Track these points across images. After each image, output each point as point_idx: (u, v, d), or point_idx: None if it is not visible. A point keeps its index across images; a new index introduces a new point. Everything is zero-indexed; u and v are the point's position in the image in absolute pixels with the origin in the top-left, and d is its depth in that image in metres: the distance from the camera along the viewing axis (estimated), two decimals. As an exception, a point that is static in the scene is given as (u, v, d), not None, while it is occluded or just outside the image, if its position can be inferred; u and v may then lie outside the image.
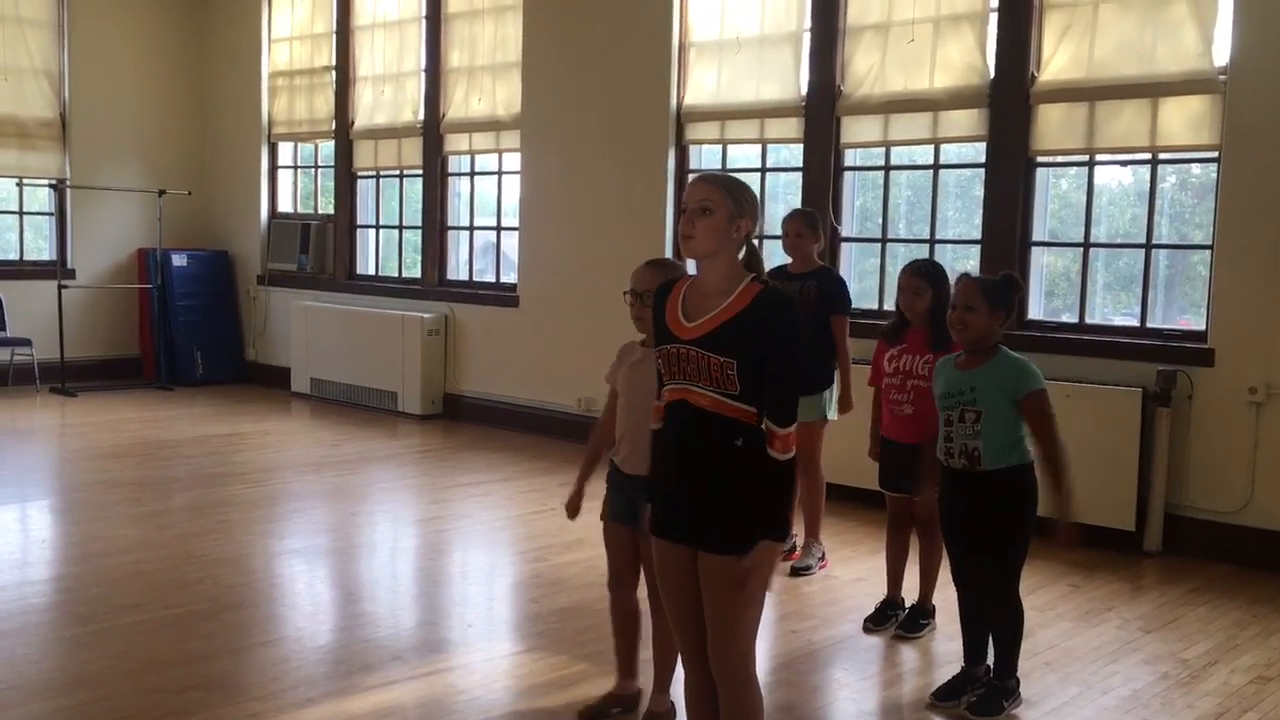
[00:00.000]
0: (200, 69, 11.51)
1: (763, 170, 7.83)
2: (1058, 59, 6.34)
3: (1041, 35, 6.40)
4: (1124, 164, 6.62)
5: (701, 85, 7.87)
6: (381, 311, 9.82)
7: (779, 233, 5.69)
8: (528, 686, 4.12)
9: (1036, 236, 6.57)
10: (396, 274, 10.22)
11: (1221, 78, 5.82)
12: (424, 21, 9.61)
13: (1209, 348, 5.90)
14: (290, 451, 8.26)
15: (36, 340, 10.21)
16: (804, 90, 7.32)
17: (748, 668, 2.91)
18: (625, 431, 3.62)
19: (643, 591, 3.71)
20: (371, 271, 10.50)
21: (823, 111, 7.22)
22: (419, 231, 9.90)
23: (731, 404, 2.80)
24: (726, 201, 2.85)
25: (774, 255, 6.16)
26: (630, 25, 8.15)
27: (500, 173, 9.43)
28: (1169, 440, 5.92)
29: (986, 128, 6.58)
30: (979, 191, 6.75)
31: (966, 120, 6.69)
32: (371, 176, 10.41)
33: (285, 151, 11.24)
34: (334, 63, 10.39)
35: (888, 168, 7.21)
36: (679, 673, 3.30)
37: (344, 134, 10.35)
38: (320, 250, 10.65)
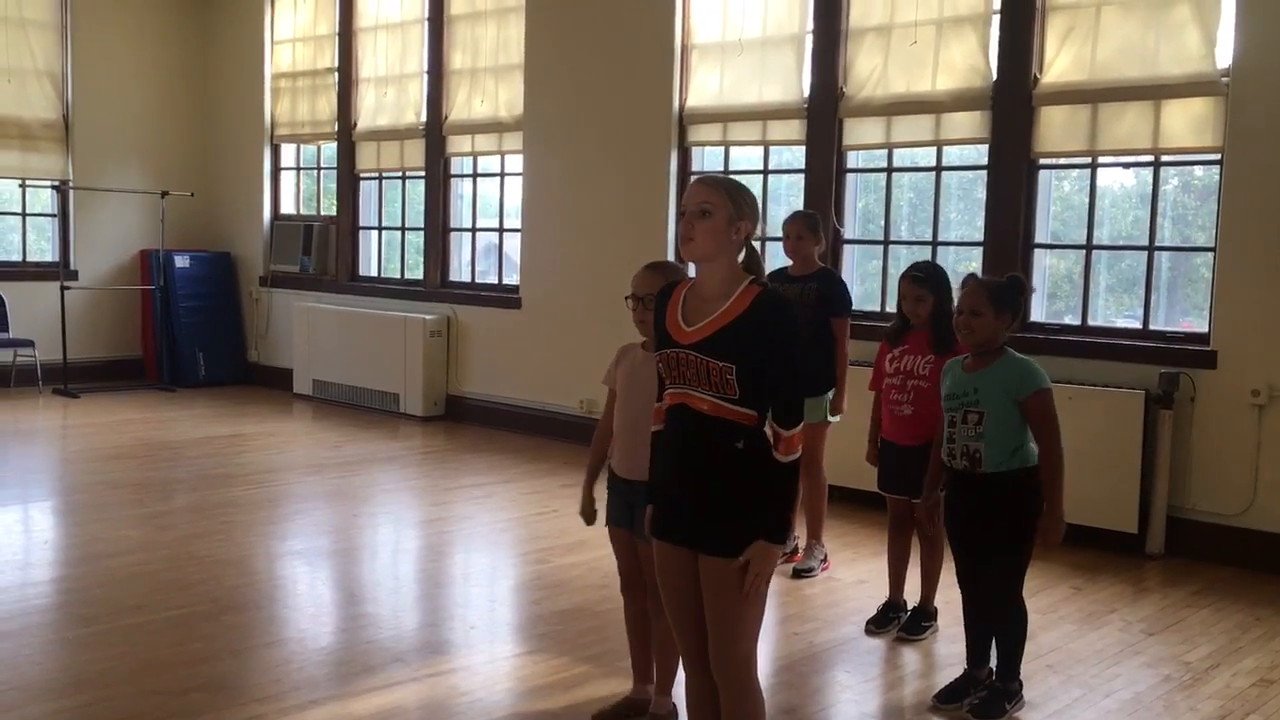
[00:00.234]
0: (203, 70, 11.52)
1: (765, 172, 7.84)
2: (1060, 61, 6.34)
3: (1044, 37, 6.40)
4: (1126, 166, 6.62)
5: (704, 87, 7.87)
6: (383, 313, 9.82)
7: (781, 235, 5.69)
8: (530, 688, 4.12)
9: (1039, 239, 6.57)
10: (399, 275, 10.23)
11: (1224, 80, 5.81)
12: (426, 23, 9.62)
13: (1211, 350, 5.90)
14: (292, 453, 8.26)
15: (39, 341, 10.22)
16: (806, 92, 7.32)
17: (749, 671, 2.91)
18: (621, 434, 3.62)
19: (645, 593, 3.71)
20: (374, 273, 10.50)
21: (825, 113, 7.22)
22: (421, 233, 9.91)
23: (732, 408, 2.79)
24: (726, 204, 2.85)
25: (776, 257, 6.16)
26: (632, 27, 8.16)
27: (502, 174, 9.43)
28: (1171, 442, 5.92)
29: (989, 130, 6.58)
30: (981, 194, 6.75)
31: (969, 122, 6.69)
32: (374, 178, 10.42)
33: (288, 153, 11.25)
34: (336, 64, 10.40)
35: (890, 170, 7.21)
36: (681, 674, 3.30)
37: (346, 135, 10.36)
38: (322, 252, 10.66)
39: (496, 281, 9.54)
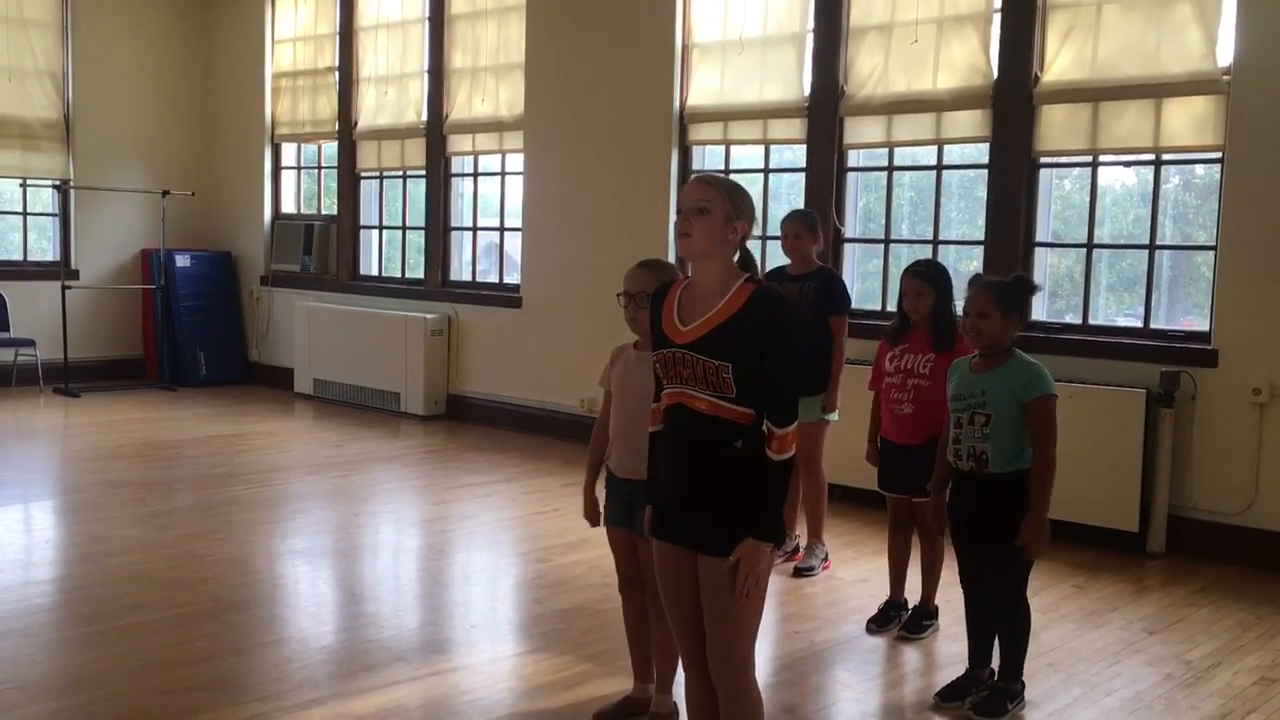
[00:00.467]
0: (204, 70, 11.52)
1: (765, 171, 7.84)
2: (1061, 60, 6.33)
3: (1045, 36, 6.40)
4: (1127, 165, 6.62)
5: (704, 86, 7.87)
6: (384, 312, 9.82)
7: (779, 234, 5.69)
8: (531, 687, 4.12)
9: (1040, 237, 6.57)
10: (399, 275, 10.23)
11: (1225, 78, 5.81)
12: (427, 22, 9.62)
13: (1213, 349, 5.89)
14: (293, 452, 8.26)
15: (40, 341, 10.22)
16: (807, 91, 7.32)
17: (746, 673, 2.90)
18: (617, 435, 3.62)
19: (646, 592, 3.71)
20: (374, 272, 10.50)
21: (826, 112, 7.21)
22: (422, 232, 9.91)
23: (729, 407, 2.78)
24: (724, 203, 2.84)
25: (776, 256, 6.16)
26: (633, 26, 8.15)
27: (503, 173, 9.43)
28: (1173, 441, 5.92)
29: (990, 129, 6.58)
30: (982, 192, 6.75)
31: (970, 121, 6.69)
32: (374, 177, 10.42)
33: (288, 152, 11.25)
34: (337, 64, 10.40)
35: (891, 169, 7.21)
36: (681, 674, 3.29)
37: (347, 135, 10.36)
38: (323, 251, 10.67)
39: (497, 280, 9.54)
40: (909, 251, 7.14)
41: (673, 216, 7.84)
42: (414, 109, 9.79)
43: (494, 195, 9.58)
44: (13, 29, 10.36)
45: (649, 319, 3.03)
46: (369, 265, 10.54)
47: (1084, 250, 6.48)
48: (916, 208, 7.39)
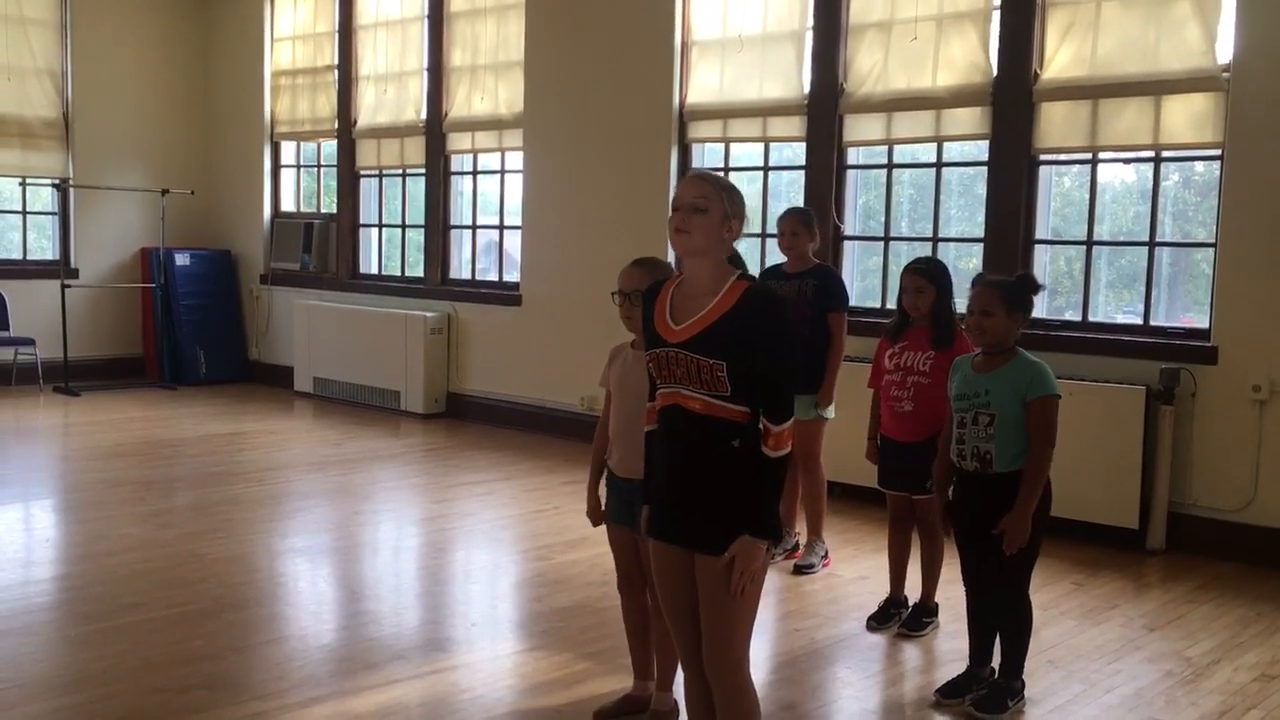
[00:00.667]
0: (203, 68, 11.51)
1: (765, 169, 7.83)
2: (1060, 57, 6.33)
3: (1044, 33, 6.39)
4: (1127, 162, 6.62)
5: (704, 84, 7.87)
6: (384, 310, 9.82)
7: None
8: (531, 685, 4.12)
9: (1039, 234, 6.57)
10: (399, 273, 10.23)
11: (1225, 75, 5.81)
12: (426, 20, 9.61)
13: (1212, 345, 5.89)
14: (293, 450, 8.26)
15: (40, 340, 10.22)
16: (806, 88, 7.32)
17: (741, 672, 2.89)
18: (617, 434, 3.62)
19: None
20: (374, 270, 10.50)
21: (825, 110, 7.21)
22: (422, 230, 9.90)
23: (724, 405, 2.77)
24: (721, 202, 2.84)
25: (775, 254, 6.15)
26: (633, 24, 8.15)
27: (503, 171, 9.43)
28: (1172, 438, 5.92)
29: (989, 126, 6.58)
30: (982, 190, 6.75)
31: (969, 118, 6.68)
32: (374, 175, 10.42)
33: (288, 150, 11.25)
34: (336, 62, 10.39)
35: (890, 166, 7.21)
36: (681, 673, 3.29)
37: (346, 133, 10.36)
38: (323, 249, 10.66)
39: (497, 279, 9.54)
40: (909, 249, 7.14)
41: (672, 214, 7.83)
42: (413, 107, 9.78)
43: (493, 193, 9.58)
44: (12, 28, 10.35)
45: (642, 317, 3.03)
46: (369, 264, 10.54)
47: (1084, 247, 6.47)
48: (916, 205, 7.39)
